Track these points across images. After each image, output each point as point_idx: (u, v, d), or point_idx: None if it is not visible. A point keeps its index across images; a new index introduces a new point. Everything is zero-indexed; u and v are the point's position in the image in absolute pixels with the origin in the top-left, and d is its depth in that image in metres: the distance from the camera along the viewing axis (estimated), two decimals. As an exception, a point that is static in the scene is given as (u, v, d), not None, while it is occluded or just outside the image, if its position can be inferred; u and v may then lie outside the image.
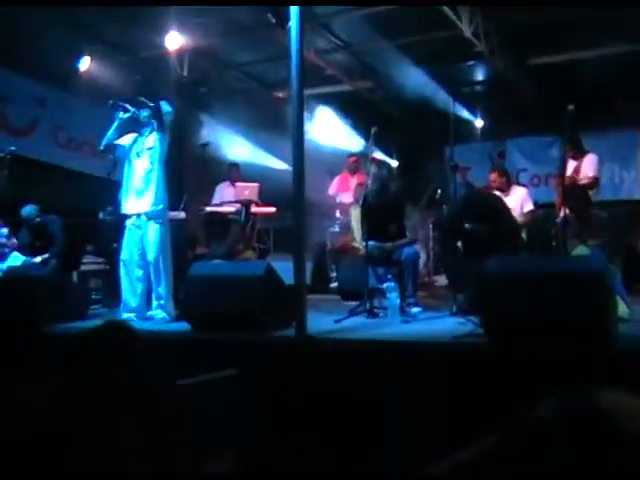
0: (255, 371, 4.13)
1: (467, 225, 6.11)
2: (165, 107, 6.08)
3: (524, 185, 10.01)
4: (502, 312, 4.34)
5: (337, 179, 9.40)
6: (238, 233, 8.19)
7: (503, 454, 1.59)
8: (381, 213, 6.32)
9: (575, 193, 6.33)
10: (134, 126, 6.16)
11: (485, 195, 6.92)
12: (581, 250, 5.71)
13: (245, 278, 5.49)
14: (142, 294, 6.13)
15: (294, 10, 5.09)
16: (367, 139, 6.71)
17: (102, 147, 6.18)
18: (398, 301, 5.64)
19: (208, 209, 8.80)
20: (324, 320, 5.59)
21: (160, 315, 6.02)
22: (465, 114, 11.08)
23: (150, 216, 6.02)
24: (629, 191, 10.70)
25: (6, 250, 7.48)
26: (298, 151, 5.06)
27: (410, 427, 3.72)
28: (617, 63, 8.84)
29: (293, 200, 5.12)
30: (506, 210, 6.43)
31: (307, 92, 9.25)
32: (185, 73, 6.63)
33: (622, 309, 5.02)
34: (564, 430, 1.34)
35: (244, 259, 8.07)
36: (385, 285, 5.80)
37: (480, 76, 10.10)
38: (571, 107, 5.97)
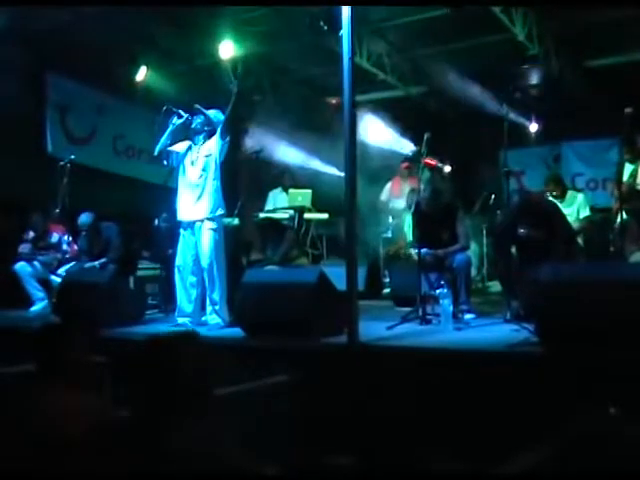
0: (308, 377, 4.16)
1: (521, 230, 6.03)
2: (218, 116, 6.16)
3: (580, 190, 9.85)
4: (557, 320, 4.28)
5: (389, 184, 9.40)
6: (293, 239, 8.25)
7: (573, 455, 1.59)
8: (433, 219, 6.29)
9: (633, 196, 6.20)
10: (188, 133, 6.25)
11: (540, 200, 6.82)
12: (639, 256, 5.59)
13: (298, 285, 5.53)
14: (197, 300, 6.21)
15: (346, 17, 5.12)
16: (420, 144, 6.67)
17: (156, 153, 6.29)
18: (451, 308, 5.60)
19: (262, 215, 8.89)
20: (376, 326, 5.60)
21: (214, 321, 6.09)
22: (519, 118, 10.92)
23: (205, 223, 6.09)
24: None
25: (67, 256, 7.68)
26: (350, 157, 5.08)
27: (464, 433, 3.71)
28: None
29: (345, 206, 5.14)
30: (561, 215, 6.33)
31: (360, 98, 9.31)
32: (239, 80, 6.74)
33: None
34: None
35: (298, 265, 8.12)
36: (438, 291, 5.76)
37: (534, 79, 9.97)
38: (629, 110, 5.86)
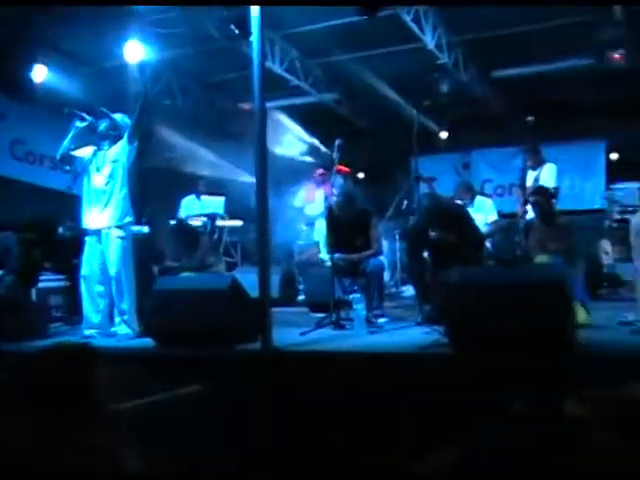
0: (222, 385, 4.07)
1: (432, 233, 6.13)
2: (125, 120, 6.01)
3: (489, 195, 10.17)
4: (465, 322, 4.39)
5: (303, 191, 9.41)
6: (208, 245, 8.13)
7: (486, 453, 1.60)
8: (347, 225, 6.33)
9: (539, 192, 6.42)
10: (92, 138, 6.06)
11: (450, 205, 6.96)
12: (542, 258, 5.78)
13: (210, 292, 5.43)
14: (104, 310, 6.02)
15: (255, 21, 5.08)
16: (333, 151, 6.70)
17: (58, 156, 6.06)
18: (364, 312, 5.64)
19: (175, 221, 8.73)
20: (291, 333, 5.59)
21: (124, 331, 5.91)
22: (430, 125, 11.18)
23: (112, 231, 5.92)
24: (590, 201, 10.88)
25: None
26: (261, 163, 5.03)
27: (377, 433, 3.73)
28: (581, 76, 9.01)
29: (257, 213, 5.09)
30: (471, 220, 6.49)
31: (273, 104, 9.26)
32: (148, 85, 6.54)
33: (583, 316, 5.07)
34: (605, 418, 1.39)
35: (214, 272, 8.03)
36: (351, 296, 5.80)
37: (444, 88, 10.19)
38: (530, 119, 6.08)
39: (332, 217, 6.36)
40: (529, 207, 6.26)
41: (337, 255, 6.16)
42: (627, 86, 9.10)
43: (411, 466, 1.80)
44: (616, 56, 8.31)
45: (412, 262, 6.43)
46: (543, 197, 6.22)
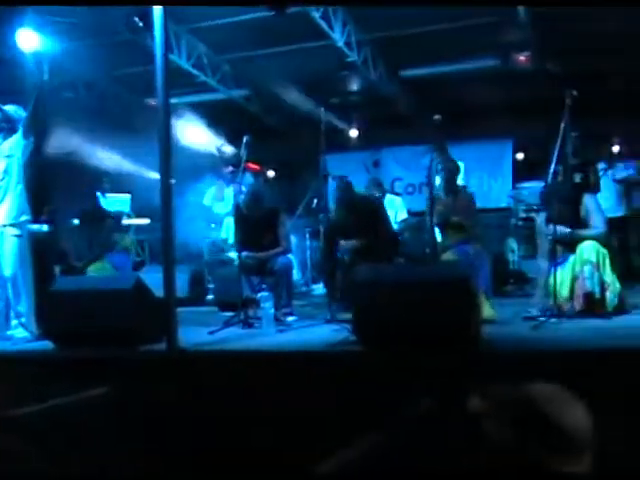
0: (125, 387, 3.93)
1: (342, 242, 6.19)
2: (19, 112, 5.73)
3: (398, 194, 10.30)
4: (372, 319, 4.38)
5: (213, 188, 9.28)
6: (113, 226, 7.95)
7: (391, 450, 1.57)
8: (255, 223, 6.29)
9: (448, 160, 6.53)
10: None
11: (363, 201, 7.01)
12: (448, 255, 5.87)
13: (113, 292, 5.25)
14: (-1, 313, 5.75)
15: (158, 13, 4.92)
16: (241, 148, 6.60)
17: None
18: (272, 310, 5.58)
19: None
20: (199, 332, 5.48)
21: (21, 334, 5.64)
22: (340, 123, 11.23)
23: (7, 229, 5.64)
24: (497, 199, 11.17)
25: None
26: (166, 160, 4.90)
27: (288, 432, 3.68)
28: (488, 76, 9.23)
29: (162, 211, 4.96)
30: (385, 215, 6.56)
31: (180, 100, 9.05)
32: (46, 76, 6.24)
33: (489, 311, 5.18)
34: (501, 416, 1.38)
35: (124, 248, 7.86)
36: (259, 295, 5.74)
37: (354, 86, 10.26)
38: (437, 117, 6.16)
39: (240, 215, 6.30)
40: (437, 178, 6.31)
41: (245, 253, 6.09)
42: (532, 87, 9.38)
43: (321, 465, 1.77)
44: (521, 58, 8.56)
45: (326, 260, 6.45)
46: (451, 163, 6.32)
